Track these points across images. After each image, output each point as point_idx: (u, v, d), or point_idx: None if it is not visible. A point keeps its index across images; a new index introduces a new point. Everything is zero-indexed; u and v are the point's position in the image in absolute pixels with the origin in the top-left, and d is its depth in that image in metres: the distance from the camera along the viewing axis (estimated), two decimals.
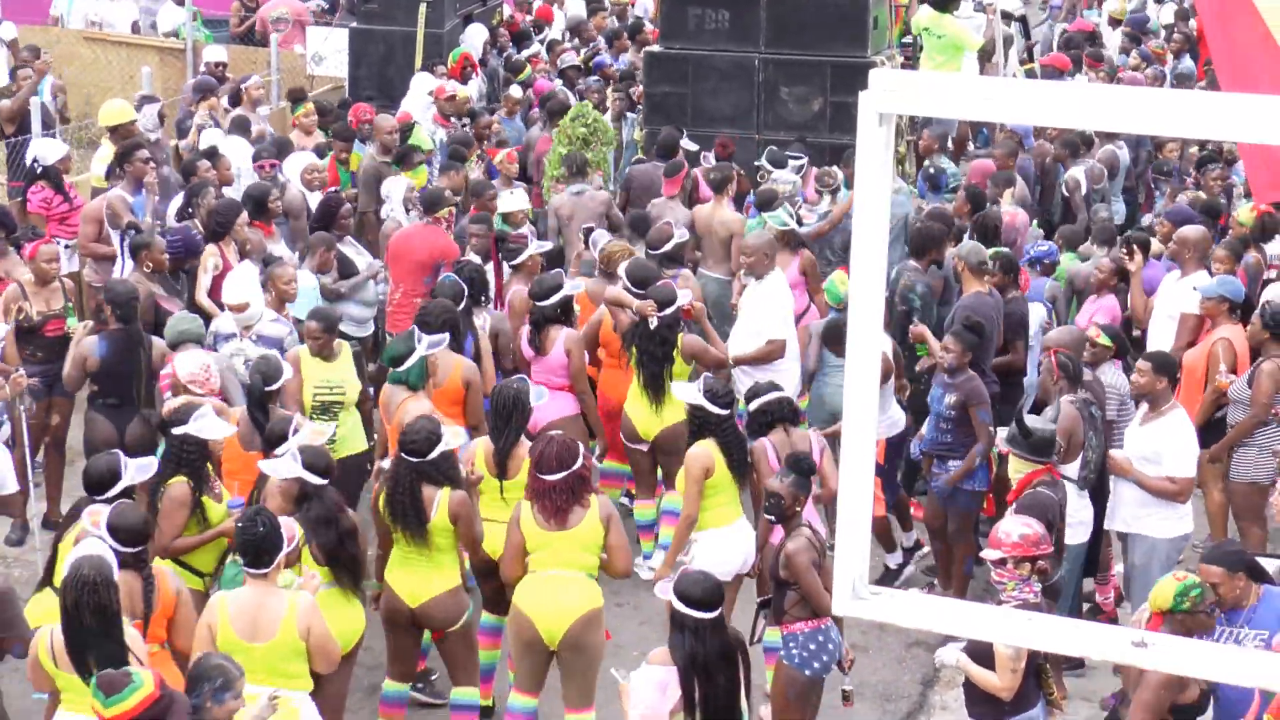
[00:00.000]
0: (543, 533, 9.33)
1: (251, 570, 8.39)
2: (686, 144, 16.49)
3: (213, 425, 9.69)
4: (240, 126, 16.19)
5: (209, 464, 9.78)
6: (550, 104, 17.77)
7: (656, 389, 11.85)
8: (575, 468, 9.35)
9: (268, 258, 12.76)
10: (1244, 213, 14.64)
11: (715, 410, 10.39)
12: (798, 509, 9.44)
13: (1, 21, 20.75)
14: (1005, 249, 13.41)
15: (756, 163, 15.93)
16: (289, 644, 8.33)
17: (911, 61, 19.55)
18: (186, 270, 12.67)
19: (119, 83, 20.34)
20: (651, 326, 11.83)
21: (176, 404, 10.07)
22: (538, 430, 10.76)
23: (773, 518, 9.61)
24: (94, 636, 7.76)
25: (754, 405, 10.73)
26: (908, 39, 19.96)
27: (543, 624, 9.35)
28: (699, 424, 10.53)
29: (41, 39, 22.07)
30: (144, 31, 23.00)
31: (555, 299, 12.04)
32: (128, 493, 8.95)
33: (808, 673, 9.30)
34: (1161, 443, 10.84)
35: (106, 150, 15.39)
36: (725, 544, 10.33)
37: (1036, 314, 13.34)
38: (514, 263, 13.23)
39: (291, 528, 8.77)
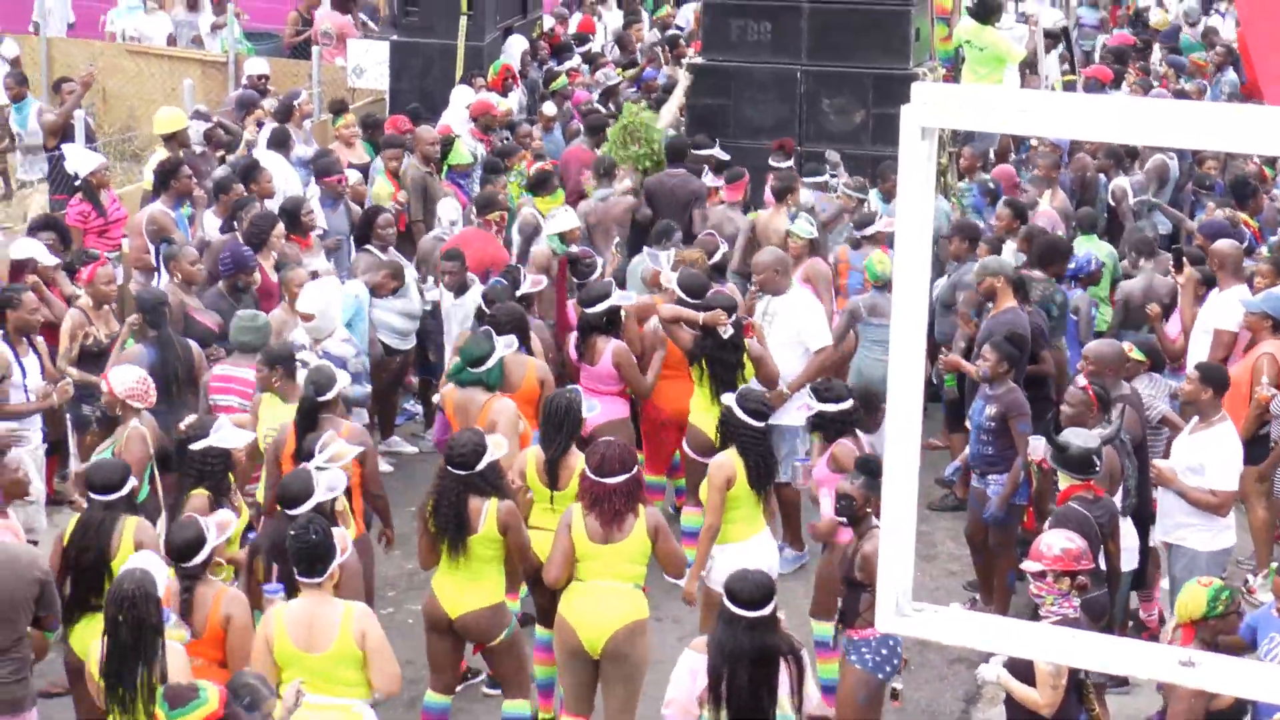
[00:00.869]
0: (593, 544, 9.29)
1: (305, 579, 8.35)
2: (718, 153, 16.52)
3: (233, 435, 9.75)
4: (279, 143, 16.22)
5: (231, 475, 9.81)
6: (591, 118, 17.82)
7: None
8: (635, 471, 9.38)
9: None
10: None
11: (748, 421, 10.36)
12: (869, 510, 9.40)
13: (2, 40, 20.76)
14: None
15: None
16: (346, 652, 8.29)
17: (954, 73, 19.58)
18: (242, 286, 12.63)
19: (161, 95, 20.41)
20: (725, 336, 11.82)
21: (192, 420, 10.07)
22: (589, 433, 10.81)
23: (844, 519, 9.63)
24: (131, 651, 7.76)
25: (832, 409, 10.73)
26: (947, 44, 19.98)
27: (585, 632, 9.32)
28: (728, 433, 10.52)
29: (85, 52, 22.22)
30: (181, 44, 23.09)
31: (602, 307, 12.05)
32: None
33: (880, 676, 9.37)
34: (1206, 454, 10.80)
35: (159, 156, 15.41)
36: (744, 558, 10.12)
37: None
38: (587, 282, 13.06)
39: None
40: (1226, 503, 10.82)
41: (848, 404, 10.72)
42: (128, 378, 10.46)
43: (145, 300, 11.75)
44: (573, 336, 12.37)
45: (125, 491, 9.24)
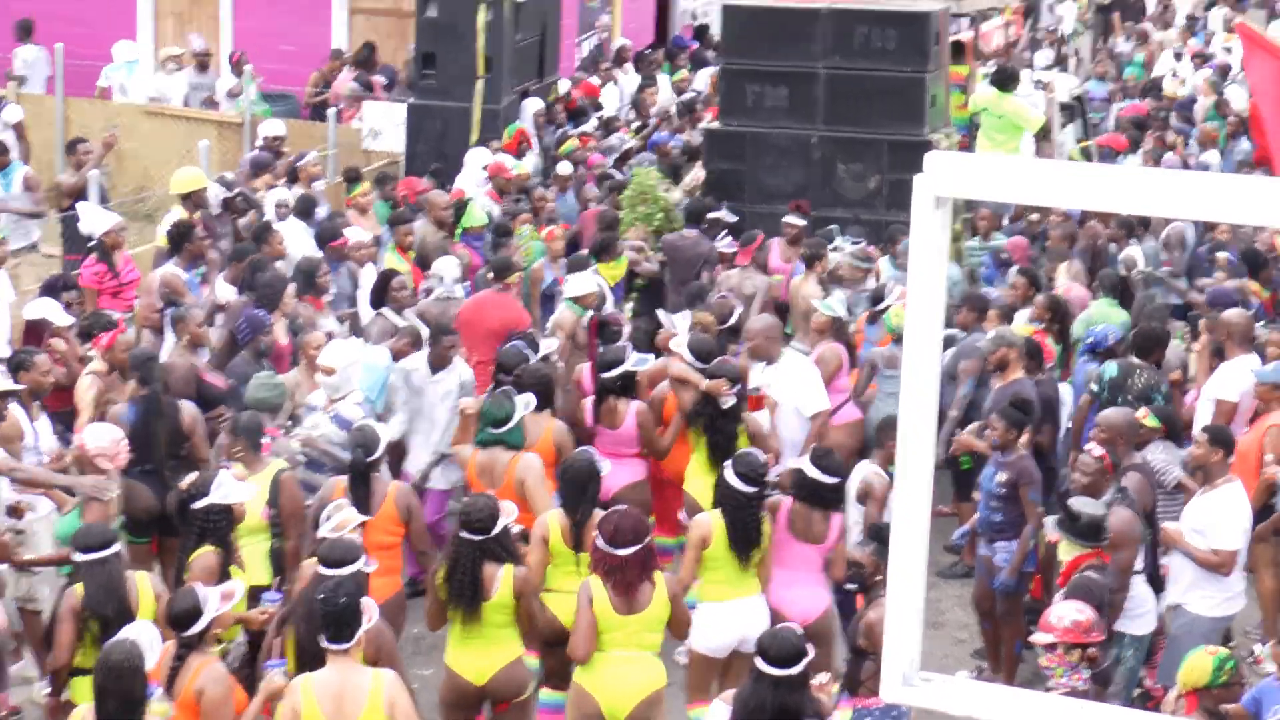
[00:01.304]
0: (616, 616, 9.24)
1: (333, 646, 8.22)
2: (725, 215, 16.64)
3: (235, 490, 9.74)
4: (304, 211, 16.28)
5: (233, 531, 9.82)
6: (609, 182, 17.92)
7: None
8: (648, 541, 9.35)
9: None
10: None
11: (737, 484, 10.25)
12: (879, 578, 9.36)
13: (5, 104, 20.87)
14: (1031, 336, 13.30)
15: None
16: None
17: (969, 140, 19.67)
18: (264, 350, 12.67)
19: (178, 156, 20.49)
20: (724, 406, 11.79)
21: (193, 478, 10.07)
22: (609, 497, 10.90)
23: (855, 585, 9.59)
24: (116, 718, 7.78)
25: (826, 480, 10.61)
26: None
27: (608, 703, 9.29)
28: (719, 496, 10.47)
29: (102, 113, 22.35)
30: (193, 105, 23.22)
31: (617, 372, 12.08)
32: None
33: None
34: (1212, 515, 10.81)
35: (175, 215, 15.44)
36: (719, 619, 10.20)
37: (1067, 395, 13.30)
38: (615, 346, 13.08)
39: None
40: (1228, 562, 10.76)
41: (839, 480, 10.64)
42: (102, 437, 10.52)
43: (135, 358, 11.76)
44: (587, 401, 12.35)
45: (115, 549, 9.25)
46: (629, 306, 14.85)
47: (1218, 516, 10.78)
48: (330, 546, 9.02)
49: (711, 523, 10.30)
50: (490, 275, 14.56)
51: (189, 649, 8.39)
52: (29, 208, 16.94)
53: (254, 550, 10.42)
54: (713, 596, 10.25)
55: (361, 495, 10.23)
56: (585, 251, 15.40)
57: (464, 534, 9.40)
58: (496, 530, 9.39)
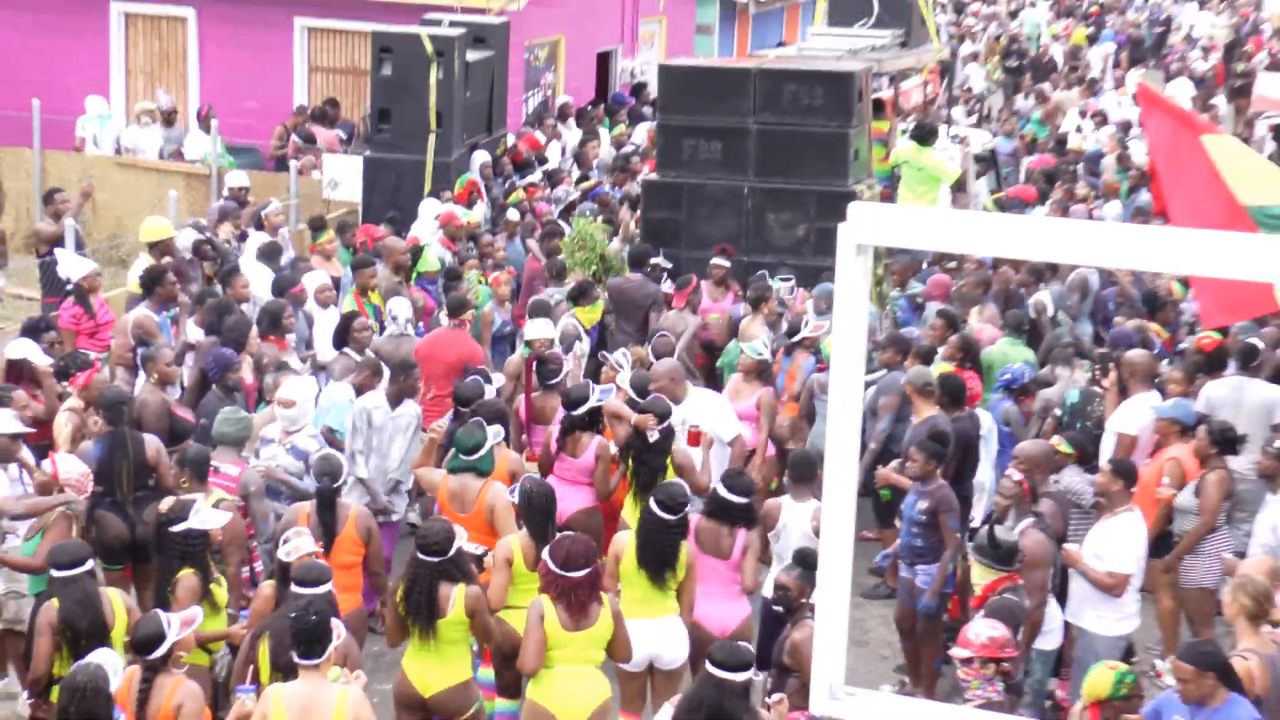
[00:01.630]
0: (565, 633, 9.25)
1: (304, 661, 8.26)
2: (661, 261, 16.75)
3: (211, 516, 9.77)
4: (269, 255, 16.24)
5: (209, 553, 9.82)
6: (546, 228, 17.98)
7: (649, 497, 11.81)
8: (596, 564, 9.37)
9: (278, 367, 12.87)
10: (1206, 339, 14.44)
11: (659, 514, 10.19)
12: (804, 600, 9.43)
13: None
14: (953, 373, 13.38)
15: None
16: None
17: (890, 191, 19.78)
18: (233, 385, 12.65)
19: (148, 205, 20.43)
20: (651, 440, 11.82)
21: (170, 503, 10.03)
22: (564, 520, 11.02)
23: (780, 608, 9.62)
24: None
25: (736, 500, 10.67)
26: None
27: (564, 715, 9.29)
28: (641, 520, 10.44)
29: (77, 165, 22.30)
30: (166, 158, 23.17)
31: (584, 409, 12.10)
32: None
33: None
34: (1111, 540, 10.86)
35: (144, 262, 15.37)
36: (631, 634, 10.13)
37: (988, 422, 13.38)
38: (551, 382, 13.21)
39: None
40: (1121, 584, 10.80)
41: (747, 500, 10.66)
42: (73, 468, 10.60)
43: (105, 398, 11.67)
44: (554, 429, 12.30)
45: (88, 567, 9.27)
46: (580, 352, 14.85)
47: (1116, 543, 10.84)
48: (304, 568, 9.05)
49: (626, 541, 10.35)
50: (446, 314, 14.61)
51: (154, 671, 8.35)
52: None
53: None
54: (627, 614, 10.09)
55: (327, 519, 10.36)
56: (545, 296, 15.43)
57: (421, 555, 9.40)
58: (452, 552, 9.41)
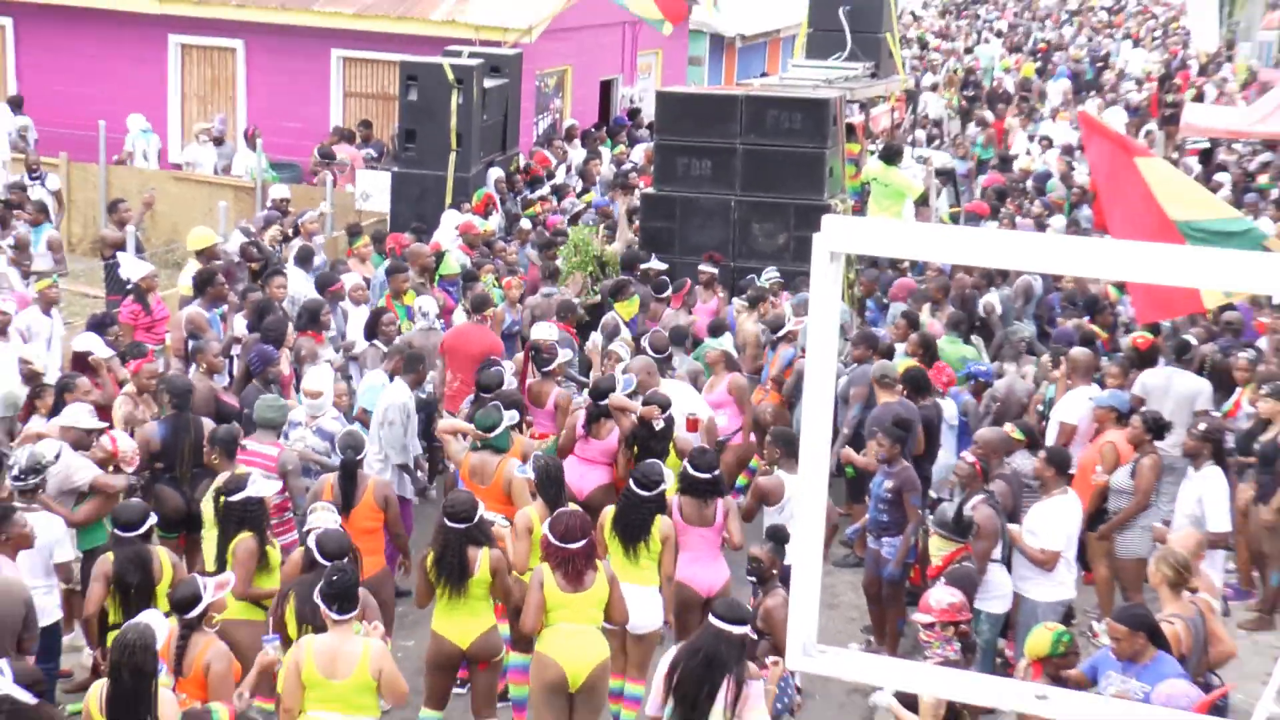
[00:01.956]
0: (562, 594, 9.26)
1: (336, 616, 8.35)
2: (655, 264, 16.74)
3: (265, 485, 9.84)
4: (303, 259, 16.22)
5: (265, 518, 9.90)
6: (544, 239, 18.00)
7: None
8: (591, 536, 9.39)
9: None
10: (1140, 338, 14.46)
11: (636, 491, 10.27)
12: (774, 572, 9.44)
13: (45, 176, 20.75)
14: (916, 365, 13.39)
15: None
16: (362, 682, 8.31)
17: (861, 204, 19.82)
18: (270, 378, 12.64)
19: (201, 215, 20.44)
20: (657, 429, 11.82)
21: (226, 477, 10.06)
22: (584, 496, 11.35)
23: (753, 579, 9.62)
24: (131, 693, 7.73)
25: (701, 476, 10.70)
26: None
27: (570, 667, 9.27)
28: (621, 495, 10.56)
29: (137, 178, 22.31)
30: (218, 173, 23.19)
31: (609, 400, 12.07)
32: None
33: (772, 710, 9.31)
34: (1045, 520, 10.87)
35: (193, 267, 15.38)
36: None
37: (951, 409, 13.37)
38: (546, 370, 13.20)
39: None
40: (1051, 560, 10.80)
41: (712, 474, 10.66)
42: (128, 445, 10.72)
43: (172, 385, 11.72)
44: (580, 415, 12.22)
45: (145, 528, 9.43)
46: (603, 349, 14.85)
47: (1048, 522, 10.85)
48: (324, 538, 9.12)
49: (608, 513, 10.44)
50: (470, 309, 14.65)
51: (191, 630, 8.40)
52: (49, 269, 16.75)
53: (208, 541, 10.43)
54: None
55: (348, 488, 10.40)
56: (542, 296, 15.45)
57: (450, 523, 9.44)
58: (476, 519, 9.47)
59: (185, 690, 8.24)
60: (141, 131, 23.92)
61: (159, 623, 8.03)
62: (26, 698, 7.28)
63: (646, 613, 10.16)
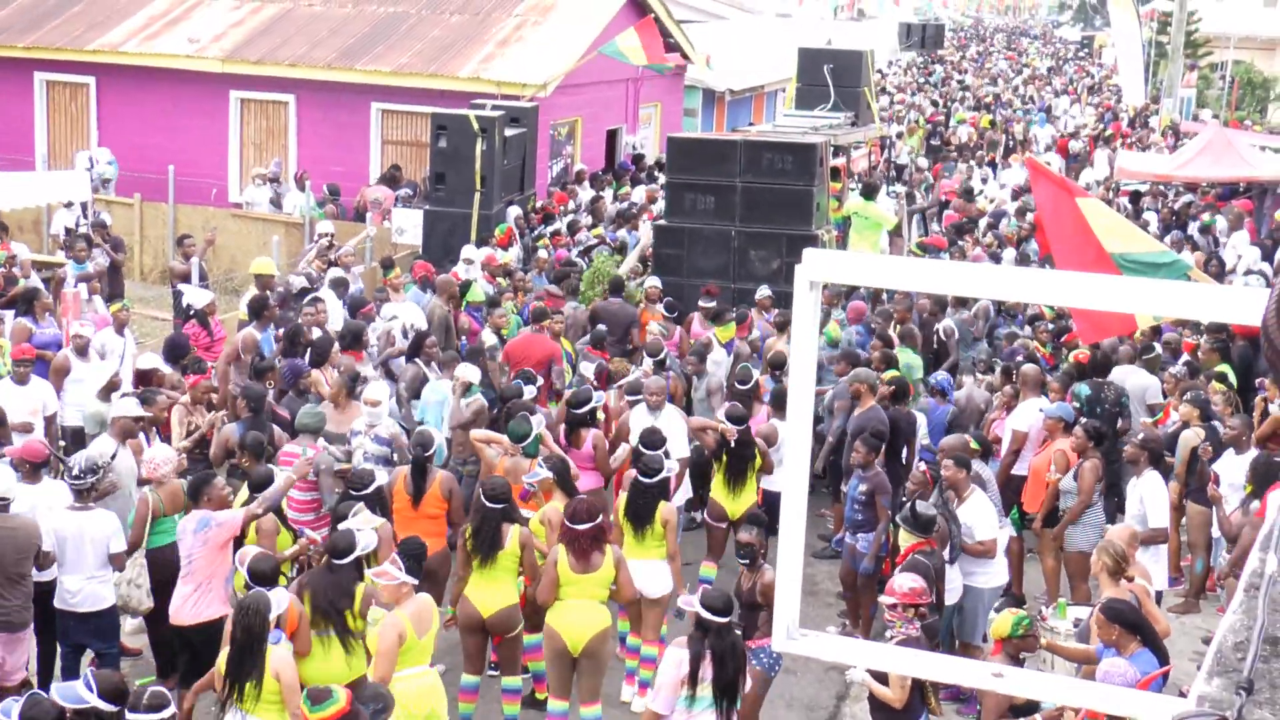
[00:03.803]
0: (573, 574, 9.41)
1: (411, 580, 8.60)
2: (653, 280, 17.07)
3: (283, 480, 10.12)
4: (338, 285, 16.19)
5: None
6: (557, 271, 17.99)
7: (740, 483, 12.04)
8: (598, 521, 9.46)
9: (356, 376, 12.79)
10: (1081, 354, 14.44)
11: (642, 481, 10.42)
12: (763, 551, 9.45)
13: (100, 212, 20.72)
14: (900, 375, 13.35)
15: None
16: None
17: (843, 234, 19.99)
18: (304, 389, 12.63)
19: (256, 248, 20.45)
20: (732, 443, 11.94)
21: (257, 471, 10.25)
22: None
23: (746, 561, 9.59)
24: (245, 651, 7.94)
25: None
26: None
27: (569, 637, 9.45)
28: (629, 486, 10.68)
29: (201, 216, 22.34)
30: (271, 211, 23.21)
31: (586, 408, 12.03)
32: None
33: (773, 675, 9.47)
34: (971, 517, 10.84)
35: (252, 291, 15.34)
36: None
37: (922, 421, 13.35)
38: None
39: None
40: (990, 548, 10.80)
41: (654, 478, 10.50)
42: (159, 454, 10.49)
43: (253, 393, 11.85)
44: (560, 427, 12.21)
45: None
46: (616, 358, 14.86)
47: (975, 518, 10.82)
48: (332, 542, 9.04)
49: (619, 503, 10.61)
50: (531, 320, 15.01)
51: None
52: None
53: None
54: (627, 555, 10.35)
55: (418, 480, 10.61)
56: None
57: (488, 503, 9.58)
58: (508, 501, 9.70)
59: None
60: (108, 163, 24.10)
61: (279, 596, 8.24)
62: (107, 708, 7.26)
63: (656, 582, 10.35)
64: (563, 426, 12.18)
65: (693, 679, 8.22)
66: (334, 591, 8.73)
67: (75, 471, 9.78)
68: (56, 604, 9.78)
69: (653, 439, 10.81)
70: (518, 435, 11.09)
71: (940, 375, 14.15)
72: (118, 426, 10.84)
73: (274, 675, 7.97)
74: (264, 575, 8.55)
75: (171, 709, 7.39)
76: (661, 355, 13.69)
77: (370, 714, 7.45)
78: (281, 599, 8.26)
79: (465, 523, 10.65)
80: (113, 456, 10.33)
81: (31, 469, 10.01)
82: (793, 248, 17.21)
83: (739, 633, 8.63)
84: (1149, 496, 11.31)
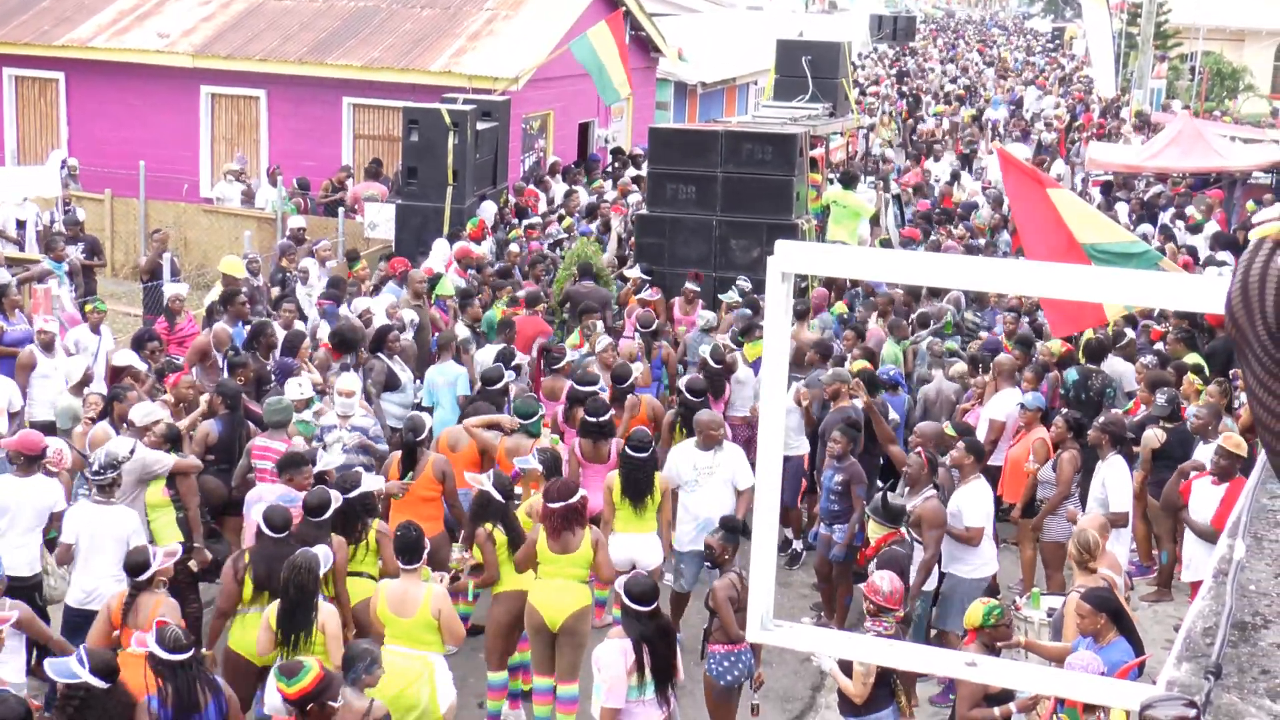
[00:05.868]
0: (551, 554, 9.58)
1: (405, 566, 8.79)
2: (639, 272, 17.13)
3: (372, 480, 10.16)
4: (333, 286, 16.13)
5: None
6: (533, 258, 18.03)
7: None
8: (572, 500, 9.56)
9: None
10: (1054, 345, 14.50)
11: (631, 454, 10.72)
12: (727, 557, 9.40)
13: (75, 208, 20.61)
14: (867, 368, 13.33)
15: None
16: (425, 620, 8.68)
17: (822, 223, 20.05)
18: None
19: (228, 243, 20.36)
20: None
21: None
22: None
23: (709, 564, 9.59)
24: (297, 605, 8.33)
25: None
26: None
27: (548, 614, 9.62)
28: (620, 461, 10.93)
29: (172, 212, 22.21)
30: (242, 206, 23.11)
31: (591, 388, 12.33)
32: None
33: (721, 683, 9.30)
34: (964, 503, 10.86)
35: (218, 289, 15.30)
36: (616, 543, 10.55)
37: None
38: (555, 368, 13.55)
39: None
40: (976, 536, 10.77)
41: (643, 453, 10.81)
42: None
43: (229, 390, 11.81)
44: (577, 442, 11.97)
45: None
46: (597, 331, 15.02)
47: (968, 504, 10.84)
48: (270, 513, 9.18)
49: (613, 477, 10.84)
50: (525, 303, 15.38)
51: (139, 590, 8.54)
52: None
53: (166, 519, 10.50)
54: (616, 529, 10.71)
55: (409, 463, 10.91)
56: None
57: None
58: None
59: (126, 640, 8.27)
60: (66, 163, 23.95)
61: (324, 553, 8.58)
62: (99, 684, 7.23)
63: (651, 553, 10.72)
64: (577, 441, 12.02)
65: (640, 665, 8.34)
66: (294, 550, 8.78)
67: (95, 467, 9.74)
68: (69, 601, 9.67)
69: (641, 439, 10.81)
70: (524, 413, 11.39)
71: (890, 368, 14.10)
72: (133, 431, 10.69)
73: (319, 628, 8.34)
74: (276, 526, 9.00)
75: (191, 652, 7.56)
76: (654, 326, 14.04)
77: (364, 667, 7.65)
78: (326, 555, 8.61)
79: (459, 505, 11.00)
80: (130, 452, 10.26)
81: (26, 461, 9.91)
82: (773, 237, 16.99)
83: (667, 615, 8.81)
84: (1111, 480, 11.36)
